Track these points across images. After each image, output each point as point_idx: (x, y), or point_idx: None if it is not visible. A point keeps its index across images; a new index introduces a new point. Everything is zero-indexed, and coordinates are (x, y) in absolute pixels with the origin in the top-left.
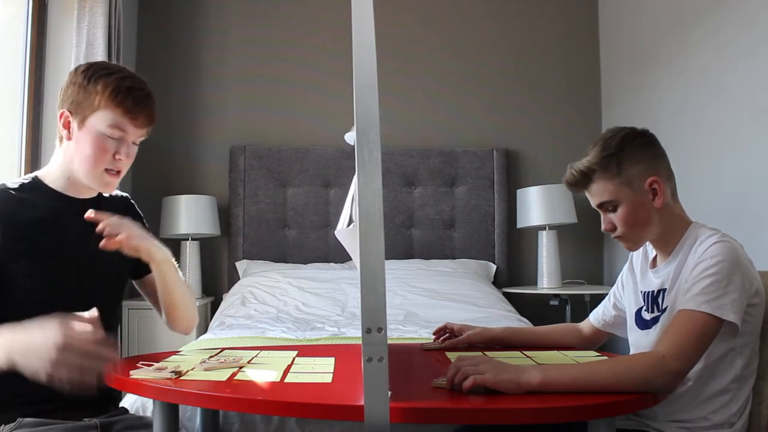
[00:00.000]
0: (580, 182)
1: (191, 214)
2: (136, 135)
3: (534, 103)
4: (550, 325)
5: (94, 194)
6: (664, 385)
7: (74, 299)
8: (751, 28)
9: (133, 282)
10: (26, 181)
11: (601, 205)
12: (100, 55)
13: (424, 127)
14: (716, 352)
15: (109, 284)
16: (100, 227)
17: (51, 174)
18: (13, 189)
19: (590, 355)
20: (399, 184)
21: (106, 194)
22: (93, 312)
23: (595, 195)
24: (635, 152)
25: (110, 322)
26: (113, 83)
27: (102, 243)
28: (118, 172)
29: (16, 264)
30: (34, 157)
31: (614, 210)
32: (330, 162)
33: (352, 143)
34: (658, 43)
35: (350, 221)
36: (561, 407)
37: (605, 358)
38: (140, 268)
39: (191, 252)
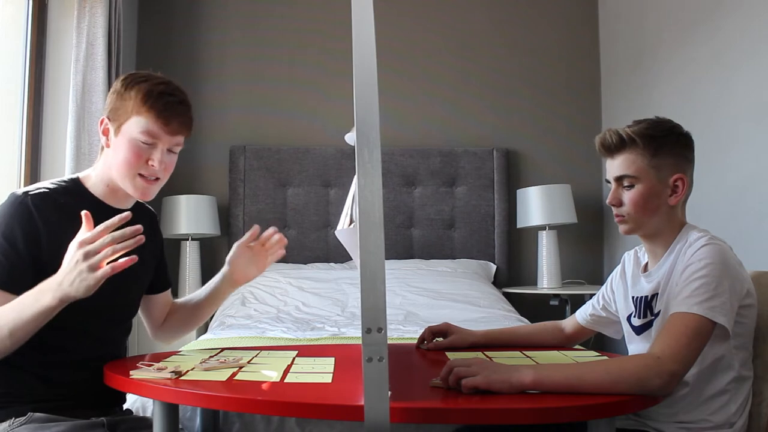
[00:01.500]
0: (613, 146)
1: (191, 214)
2: (169, 142)
3: (534, 103)
4: (532, 325)
5: (131, 204)
6: (660, 386)
7: (101, 308)
8: (752, 27)
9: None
10: (68, 185)
11: (620, 178)
12: (100, 55)
13: (424, 127)
14: (712, 354)
15: (133, 294)
16: None
17: (91, 179)
18: (55, 193)
19: (590, 355)
20: (399, 184)
21: (143, 200)
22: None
23: (620, 165)
24: (677, 146)
25: (125, 331)
26: (146, 88)
27: None
28: (156, 180)
29: (53, 269)
30: (34, 157)
31: (630, 187)
32: (330, 162)
33: (352, 143)
34: (658, 42)
35: (351, 221)
36: (560, 407)
37: (605, 358)
38: (156, 284)
39: (191, 252)
